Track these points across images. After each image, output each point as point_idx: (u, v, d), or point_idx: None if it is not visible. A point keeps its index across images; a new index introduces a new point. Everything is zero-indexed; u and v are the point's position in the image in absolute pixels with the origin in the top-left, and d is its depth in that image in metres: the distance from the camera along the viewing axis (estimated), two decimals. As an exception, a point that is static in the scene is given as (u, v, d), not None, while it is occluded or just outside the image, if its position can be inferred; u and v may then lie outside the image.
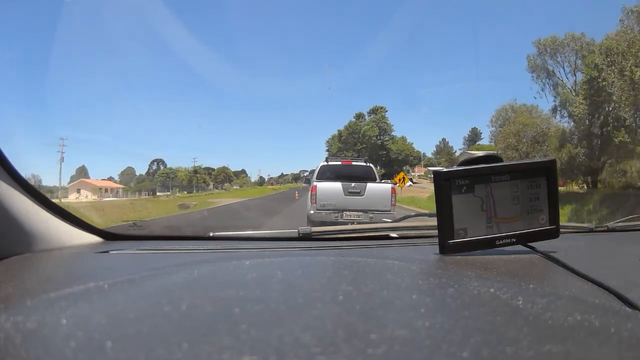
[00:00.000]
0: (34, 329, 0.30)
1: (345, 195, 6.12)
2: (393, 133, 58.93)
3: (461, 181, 0.76)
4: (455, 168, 0.79)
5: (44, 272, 0.74)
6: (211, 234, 1.09)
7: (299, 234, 1.06)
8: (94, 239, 1.02)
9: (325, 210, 6.06)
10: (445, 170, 0.76)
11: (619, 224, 1.22)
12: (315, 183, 6.38)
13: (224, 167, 62.47)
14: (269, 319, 0.31)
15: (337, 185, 6.20)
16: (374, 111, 59.13)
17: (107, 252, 0.88)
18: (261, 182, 65.17)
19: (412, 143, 58.48)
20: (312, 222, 5.88)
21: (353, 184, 6.18)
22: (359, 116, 58.39)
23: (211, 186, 56.60)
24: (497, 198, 0.78)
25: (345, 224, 5.40)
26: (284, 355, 0.25)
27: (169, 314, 0.33)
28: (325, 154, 54.34)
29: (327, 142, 59.79)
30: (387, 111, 58.75)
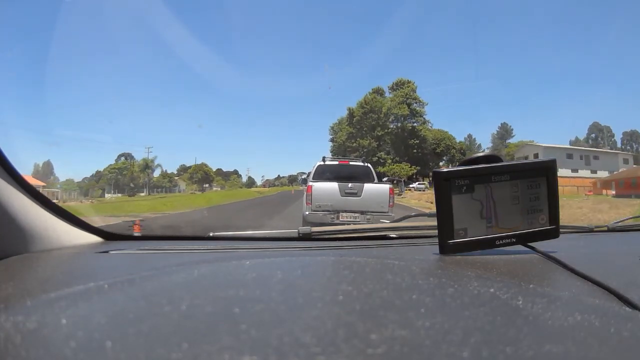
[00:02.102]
0: (34, 329, 0.30)
1: (341, 195, 6.00)
2: (426, 116, 41.64)
3: (461, 181, 0.76)
4: (455, 168, 0.79)
5: (44, 272, 0.74)
6: (211, 234, 1.09)
7: (299, 234, 1.06)
8: (94, 239, 1.02)
9: (321, 211, 5.95)
10: (445, 170, 0.76)
11: (619, 224, 1.23)
12: (310, 183, 6.26)
13: (202, 164, 52.77)
14: (269, 319, 0.31)
15: (334, 186, 6.08)
16: (398, 85, 41.72)
17: (107, 252, 0.88)
18: (250, 183, 59.82)
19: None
20: (307, 223, 5.68)
21: (350, 185, 6.07)
22: (377, 92, 42.36)
23: (182, 187, 48.40)
24: (497, 198, 0.78)
25: (342, 225, 5.30)
26: (284, 355, 0.25)
27: (169, 314, 0.33)
28: (329, 145, 45.45)
29: (332, 128, 46.21)
30: (416, 87, 41.12)
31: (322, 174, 6.80)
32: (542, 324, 0.32)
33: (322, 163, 7.14)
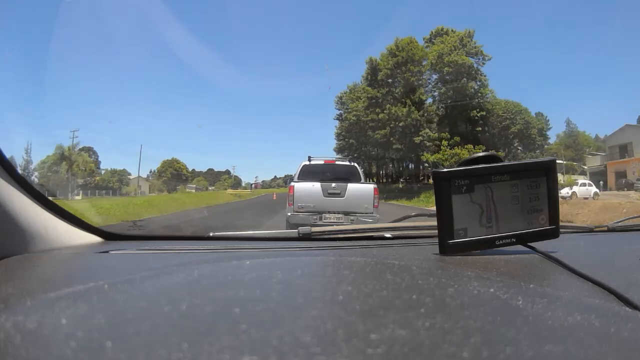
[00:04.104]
0: (34, 329, 0.30)
1: (324, 196, 5.88)
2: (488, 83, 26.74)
3: (461, 181, 0.76)
4: (455, 168, 0.79)
5: (44, 272, 0.74)
6: (211, 234, 1.09)
7: (299, 234, 1.06)
8: (94, 238, 1.02)
9: (303, 212, 5.84)
10: (445, 170, 0.77)
11: (619, 224, 1.23)
12: (293, 183, 6.16)
13: (173, 159, 44.52)
14: (269, 319, 0.31)
15: (316, 186, 5.96)
16: (437, 35, 27.03)
17: (107, 252, 0.88)
18: (236, 184, 54.52)
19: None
20: (290, 225, 5.64)
21: (333, 185, 5.95)
22: (409, 44, 26.15)
23: (143, 187, 37.65)
24: (497, 198, 0.78)
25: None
26: (284, 355, 0.25)
27: (169, 314, 0.33)
28: (335, 125, 34.02)
29: (339, 99, 32.47)
30: (474, 32, 25.51)
31: (307, 174, 6.65)
32: (542, 324, 0.32)
33: (307, 163, 6.99)
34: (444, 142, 26.26)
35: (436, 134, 26.85)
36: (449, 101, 26.09)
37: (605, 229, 1.19)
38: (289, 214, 5.94)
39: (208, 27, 59.00)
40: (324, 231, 1.08)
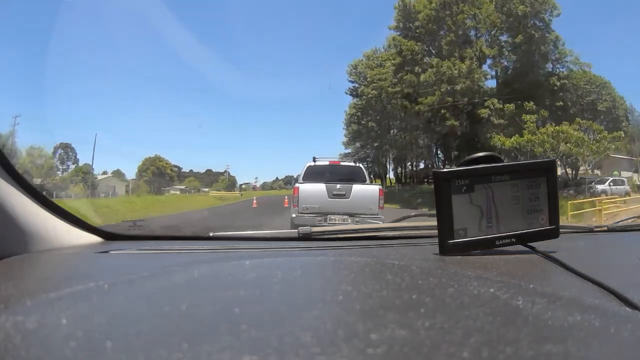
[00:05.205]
0: (34, 329, 0.30)
1: (329, 197, 5.86)
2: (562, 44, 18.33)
3: (461, 181, 0.76)
4: (455, 168, 0.79)
5: (44, 272, 0.74)
6: (211, 234, 1.09)
7: (299, 234, 1.06)
8: (94, 238, 1.02)
9: (307, 213, 5.81)
10: (445, 170, 0.77)
11: (619, 224, 1.23)
12: (297, 185, 6.16)
13: (156, 156, 39.21)
14: (269, 319, 0.31)
15: (321, 187, 5.93)
16: None
17: (107, 252, 0.88)
18: (231, 185, 51.01)
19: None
20: (294, 226, 5.51)
21: (338, 186, 5.93)
22: None
23: (116, 188, 33.02)
24: (497, 198, 0.78)
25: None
26: (284, 355, 0.25)
27: (169, 314, 0.33)
28: (349, 102, 27.52)
29: (353, 69, 24.33)
30: None
31: (312, 175, 6.61)
32: (542, 324, 0.32)
33: (312, 164, 6.93)
34: (528, 117, 16.15)
35: (512, 106, 17.07)
36: (519, 58, 17.01)
37: (605, 229, 1.20)
38: (294, 215, 5.93)
39: (208, 27, 58.97)
40: (324, 231, 1.08)
